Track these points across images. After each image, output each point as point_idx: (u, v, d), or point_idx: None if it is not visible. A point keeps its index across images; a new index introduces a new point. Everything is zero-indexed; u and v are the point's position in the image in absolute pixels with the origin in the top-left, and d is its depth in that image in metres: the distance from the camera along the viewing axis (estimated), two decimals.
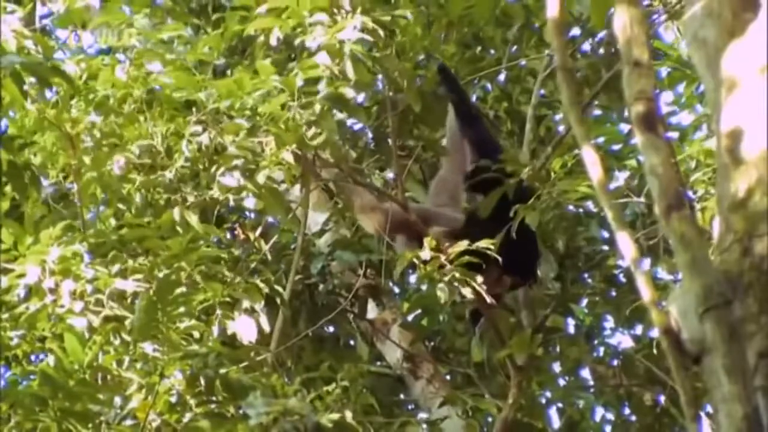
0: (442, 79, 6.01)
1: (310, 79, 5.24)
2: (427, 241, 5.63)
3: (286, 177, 5.41)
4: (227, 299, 5.21)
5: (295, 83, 5.18)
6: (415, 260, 5.65)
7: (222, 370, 4.76)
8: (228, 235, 6.76)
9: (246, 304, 5.28)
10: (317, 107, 5.18)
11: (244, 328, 5.19)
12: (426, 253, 5.60)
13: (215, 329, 5.14)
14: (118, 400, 4.82)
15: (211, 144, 5.14)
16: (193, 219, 5.17)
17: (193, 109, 5.22)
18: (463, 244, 5.59)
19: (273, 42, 5.38)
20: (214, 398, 4.76)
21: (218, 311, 5.17)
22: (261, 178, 5.15)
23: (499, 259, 5.66)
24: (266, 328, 5.38)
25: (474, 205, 6.28)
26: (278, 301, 5.82)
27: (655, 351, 6.78)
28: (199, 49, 5.65)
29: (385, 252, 6.49)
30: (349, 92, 5.22)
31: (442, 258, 5.61)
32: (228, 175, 5.15)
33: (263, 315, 5.32)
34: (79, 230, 5.24)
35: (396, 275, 6.27)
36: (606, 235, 6.80)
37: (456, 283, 5.63)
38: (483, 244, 5.58)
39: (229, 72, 6.08)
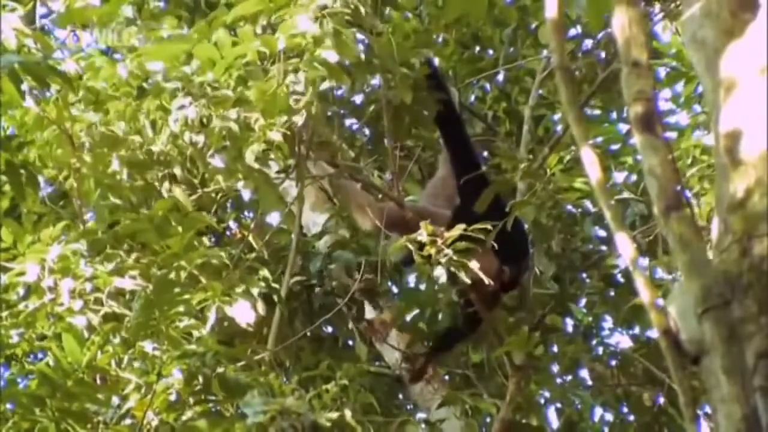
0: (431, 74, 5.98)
1: (293, 46, 5.16)
2: (424, 225, 5.61)
3: (275, 156, 5.35)
4: (227, 297, 5.20)
5: (277, 44, 5.11)
6: (410, 247, 5.62)
7: (220, 369, 4.76)
8: (227, 234, 6.77)
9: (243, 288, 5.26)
10: (301, 75, 5.12)
11: (241, 312, 5.16)
12: (422, 235, 5.58)
13: (212, 317, 5.11)
14: (115, 399, 4.82)
15: (197, 117, 5.09)
16: (181, 194, 5.14)
17: (179, 84, 5.17)
18: (460, 227, 5.59)
19: (258, 30, 5.35)
20: (211, 397, 4.76)
21: (216, 301, 5.14)
22: (249, 155, 5.11)
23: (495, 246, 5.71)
24: (264, 314, 5.37)
25: (459, 206, 6.30)
26: (275, 299, 5.81)
27: (653, 351, 6.79)
28: (187, 40, 5.63)
29: (383, 253, 6.50)
30: (330, 56, 5.14)
31: (439, 242, 5.60)
32: (217, 156, 5.11)
33: (260, 301, 5.31)
34: (77, 228, 5.24)
35: (391, 266, 6.26)
36: (604, 234, 6.80)
37: (452, 268, 5.62)
38: (480, 236, 5.60)
39: None
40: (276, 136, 5.10)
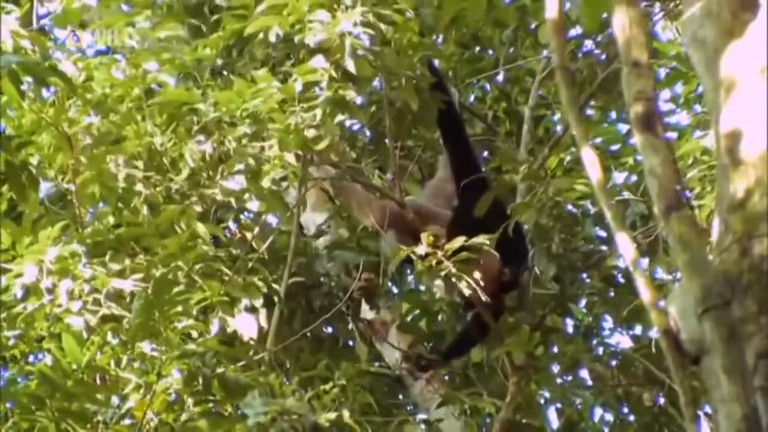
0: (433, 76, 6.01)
1: (309, 84, 5.23)
2: (424, 237, 5.64)
3: (288, 177, 5.40)
4: (225, 298, 5.20)
5: (295, 89, 5.18)
6: (411, 256, 5.65)
7: (220, 369, 4.76)
8: (227, 235, 6.76)
9: (246, 302, 5.27)
10: (318, 111, 5.17)
11: (245, 325, 5.18)
12: (422, 248, 5.60)
13: (215, 327, 5.13)
14: (115, 399, 4.82)
15: (214, 153, 5.14)
16: (202, 230, 5.16)
17: (194, 118, 5.22)
18: (461, 239, 5.61)
19: (272, 38, 5.37)
20: (211, 397, 4.76)
21: (218, 309, 5.15)
22: (266, 182, 5.15)
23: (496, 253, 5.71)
24: (266, 325, 5.38)
25: (458, 208, 6.32)
26: (275, 299, 5.81)
27: (653, 351, 6.79)
28: (198, 49, 5.65)
29: (383, 253, 6.50)
30: (350, 94, 5.21)
31: (440, 254, 5.62)
32: (231, 179, 5.15)
33: (263, 312, 5.32)
34: (76, 230, 5.24)
35: (391, 271, 6.27)
36: (604, 234, 6.80)
37: (453, 279, 5.65)
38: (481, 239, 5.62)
39: (225, 73, 6.08)
40: (291, 159, 5.14)
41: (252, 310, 5.28)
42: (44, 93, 5.31)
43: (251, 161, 5.11)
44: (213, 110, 5.17)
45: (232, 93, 5.20)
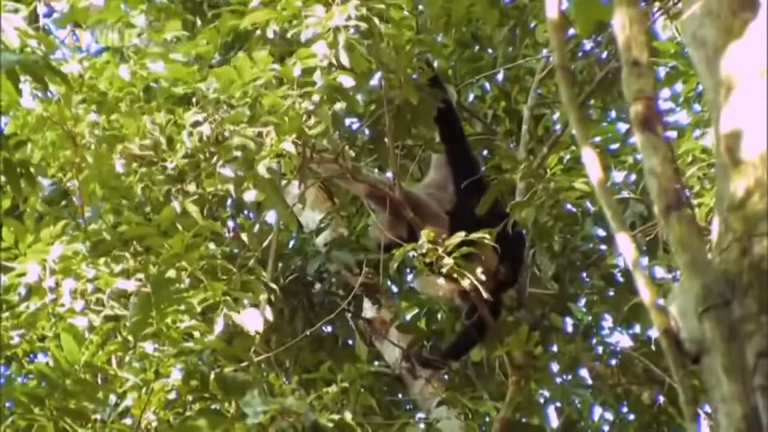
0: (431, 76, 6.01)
1: (308, 69, 5.23)
2: (425, 233, 5.65)
3: (285, 168, 5.40)
4: (227, 297, 5.19)
5: (293, 72, 5.17)
6: (412, 253, 5.66)
7: (218, 368, 4.76)
8: (227, 234, 6.77)
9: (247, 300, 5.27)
10: (315, 97, 5.17)
11: (250, 320, 5.17)
12: (423, 246, 5.61)
13: (220, 323, 5.11)
14: (114, 398, 4.82)
15: (212, 134, 5.13)
16: (193, 209, 5.15)
17: (193, 100, 5.21)
18: (460, 236, 5.62)
19: (270, 35, 5.37)
20: (210, 396, 4.76)
21: (222, 306, 5.14)
22: (261, 168, 5.15)
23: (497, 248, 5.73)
24: (271, 319, 5.39)
25: (457, 208, 6.33)
26: (272, 297, 5.81)
27: (653, 350, 6.80)
28: (196, 44, 5.64)
29: (372, 235, 6.52)
30: (346, 81, 5.21)
31: (440, 251, 5.62)
32: (228, 166, 5.14)
33: (267, 307, 5.33)
34: (79, 228, 5.23)
35: (391, 270, 6.27)
36: (603, 233, 6.80)
37: (455, 275, 5.66)
38: (481, 239, 5.63)
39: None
40: (289, 147, 5.14)
41: (255, 304, 5.27)
42: (50, 91, 5.31)
43: (249, 143, 5.10)
44: (212, 91, 5.17)
45: (231, 70, 5.19)
